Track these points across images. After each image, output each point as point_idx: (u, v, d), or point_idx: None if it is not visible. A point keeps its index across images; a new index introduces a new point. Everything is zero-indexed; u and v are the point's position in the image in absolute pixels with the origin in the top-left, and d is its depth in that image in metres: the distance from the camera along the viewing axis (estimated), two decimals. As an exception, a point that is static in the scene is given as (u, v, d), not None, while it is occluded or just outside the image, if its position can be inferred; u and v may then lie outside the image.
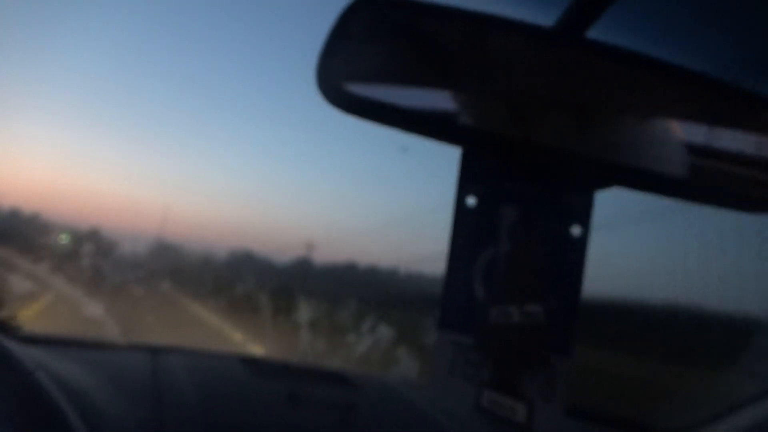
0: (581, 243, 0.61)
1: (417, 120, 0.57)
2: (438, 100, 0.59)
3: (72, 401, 0.64)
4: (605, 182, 0.60)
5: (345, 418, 1.10)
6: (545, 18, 0.61)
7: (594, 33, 0.60)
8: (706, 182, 0.60)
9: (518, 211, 0.62)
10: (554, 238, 0.61)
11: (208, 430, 0.97)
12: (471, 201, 0.64)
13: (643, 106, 0.61)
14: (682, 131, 0.61)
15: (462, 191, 0.64)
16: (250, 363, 1.32)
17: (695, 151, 0.59)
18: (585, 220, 0.61)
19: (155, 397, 1.02)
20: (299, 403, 1.11)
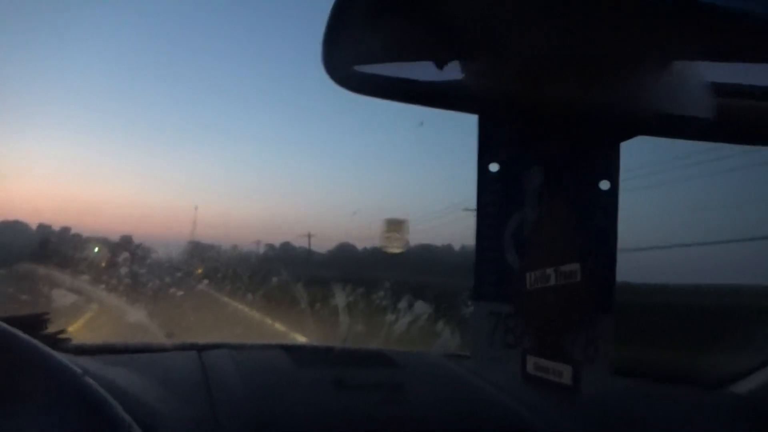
0: (611, 197, 0.60)
1: (429, 91, 0.57)
2: (449, 68, 0.58)
3: (126, 404, 0.66)
4: (629, 132, 0.59)
5: (393, 398, 1.11)
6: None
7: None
8: (732, 120, 0.58)
9: (543, 172, 0.61)
10: (583, 195, 0.60)
11: (260, 421, 0.99)
12: (493, 168, 0.63)
13: (660, 48, 0.59)
14: (704, 70, 0.59)
15: (483, 159, 0.63)
16: (294, 351, 1.34)
17: (719, 89, 0.57)
18: (613, 172, 0.60)
19: (206, 394, 1.05)
20: (345, 387, 1.12)
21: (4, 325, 0.66)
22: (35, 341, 0.67)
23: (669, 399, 1.39)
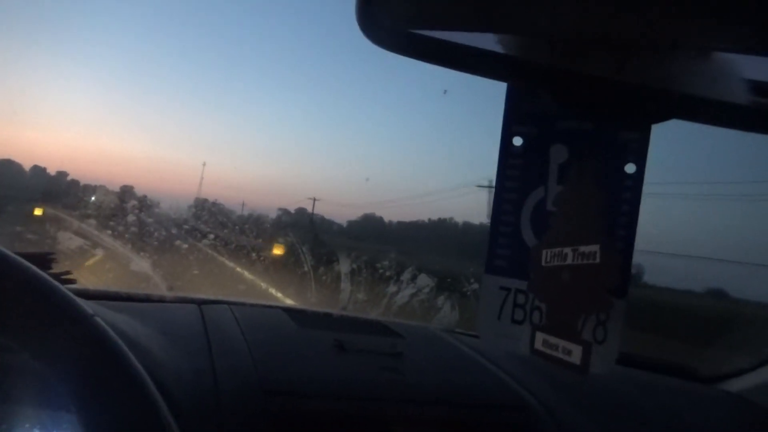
0: (636, 180, 0.58)
1: (461, 54, 0.55)
2: (482, 33, 0.56)
3: (131, 348, 0.66)
4: (662, 115, 0.57)
5: (393, 365, 1.11)
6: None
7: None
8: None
9: (568, 149, 0.60)
10: (607, 177, 0.58)
11: (260, 378, 0.99)
12: (517, 142, 0.62)
13: (702, 32, 0.57)
14: (744, 58, 0.57)
15: (508, 131, 0.62)
16: (295, 313, 1.34)
17: (760, 86, 0.55)
18: (640, 156, 0.58)
19: (207, 348, 1.05)
20: (346, 351, 1.13)
21: (21, 260, 0.65)
22: (44, 274, 0.66)
23: (665, 390, 1.40)
